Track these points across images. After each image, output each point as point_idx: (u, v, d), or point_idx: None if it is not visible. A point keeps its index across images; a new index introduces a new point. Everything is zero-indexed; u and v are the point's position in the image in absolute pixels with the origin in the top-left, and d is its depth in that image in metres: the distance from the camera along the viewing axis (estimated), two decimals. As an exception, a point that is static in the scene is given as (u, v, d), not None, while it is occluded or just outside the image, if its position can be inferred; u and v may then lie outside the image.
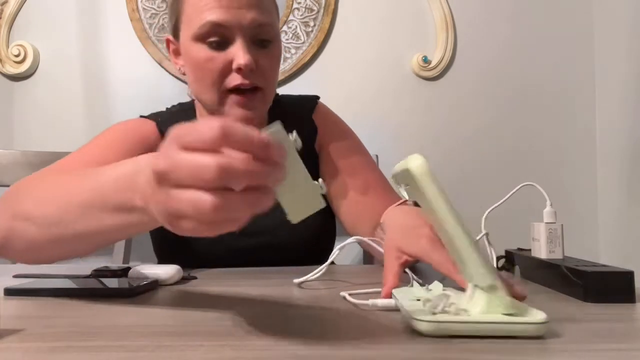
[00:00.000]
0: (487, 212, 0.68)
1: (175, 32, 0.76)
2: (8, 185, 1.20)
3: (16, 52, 1.37)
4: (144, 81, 1.43)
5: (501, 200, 0.68)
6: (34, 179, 0.59)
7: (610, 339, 0.38)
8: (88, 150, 0.75)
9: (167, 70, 1.43)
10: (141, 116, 0.86)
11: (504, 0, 1.51)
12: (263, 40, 0.72)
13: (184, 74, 0.77)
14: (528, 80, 1.50)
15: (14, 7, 1.39)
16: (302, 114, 0.87)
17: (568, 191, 1.49)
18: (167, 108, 0.91)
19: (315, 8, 1.45)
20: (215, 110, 0.74)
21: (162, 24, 1.43)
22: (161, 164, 0.32)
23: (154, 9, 1.43)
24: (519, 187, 0.68)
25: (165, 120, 0.83)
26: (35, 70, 1.41)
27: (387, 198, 0.78)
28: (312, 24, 1.45)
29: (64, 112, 1.41)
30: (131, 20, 1.42)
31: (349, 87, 1.43)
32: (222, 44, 0.70)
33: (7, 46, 1.39)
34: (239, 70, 0.69)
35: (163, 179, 0.33)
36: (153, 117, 0.85)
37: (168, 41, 0.79)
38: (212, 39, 0.69)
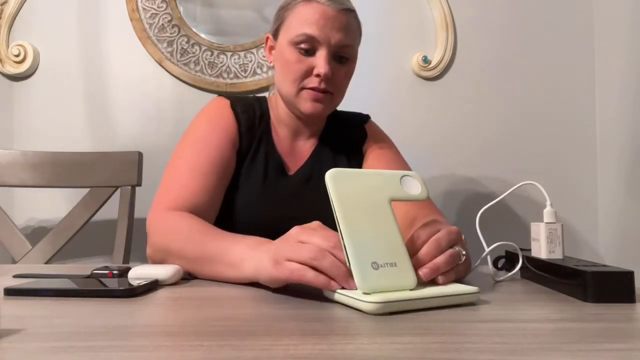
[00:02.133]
0: (481, 211, 0.68)
1: (276, 33, 0.91)
2: (8, 185, 1.20)
3: (16, 52, 1.37)
4: (144, 81, 1.43)
5: (498, 198, 0.68)
6: (178, 230, 0.74)
7: (610, 339, 0.38)
8: (192, 155, 0.86)
9: (167, 70, 1.43)
10: (219, 94, 1.01)
11: (503, 0, 1.51)
12: (342, 57, 0.88)
13: (273, 67, 0.93)
14: (528, 80, 1.50)
15: (14, 7, 1.39)
16: (355, 123, 1.03)
17: (568, 191, 1.49)
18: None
19: (315, 8, 1.45)
20: (290, 100, 0.89)
21: (162, 24, 1.43)
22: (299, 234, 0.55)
23: (154, 9, 1.43)
24: (518, 185, 0.68)
25: (238, 101, 0.95)
26: (35, 70, 1.41)
27: (422, 203, 0.86)
28: (312, 24, 1.45)
29: (64, 112, 1.41)
30: (131, 20, 1.42)
31: (348, 86, 1.43)
32: (309, 51, 0.86)
33: (7, 46, 1.39)
34: (318, 76, 0.85)
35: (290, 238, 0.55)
36: (230, 97, 0.97)
37: (267, 38, 0.94)
38: (303, 46, 0.85)
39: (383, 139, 1.03)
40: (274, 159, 0.93)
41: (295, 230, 0.55)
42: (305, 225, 0.56)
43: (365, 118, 1.05)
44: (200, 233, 0.70)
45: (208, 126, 0.90)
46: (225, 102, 0.94)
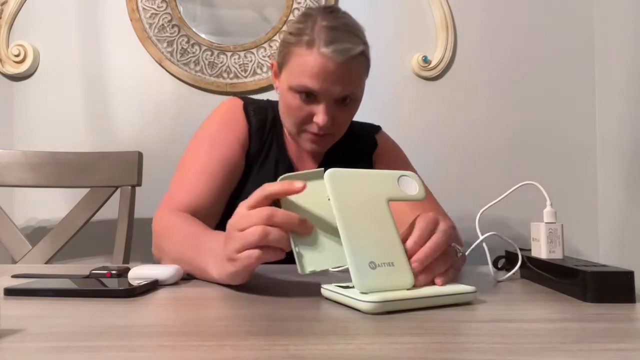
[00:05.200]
0: (482, 211, 0.68)
1: (280, 66, 0.87)
2: (8, 185, 1.20)
3: (16, 52, 1.37)
4: (144, 81, 1.43)
5: (499, 198, 0.68)
6: (171, 230, 0.74)
7: (610, 339, 0.38)
8: (201, 156, 0.87)
9: (167, 70, 1.43)
10: (235, 95, 1.00)
11: (503, 0, 1.51)
12: (346, 99, 0.84)
13: (278, 92, 0.91)
14: (528, 80, 1.50)
15: (14, 7, 1.39)
16: (366, 134, 1.02)
17: (568, 191, 1.49)
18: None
19: (315, 8, 1.45)
20: (291, 135, 0.90)
21: (162, 24, 1.43)
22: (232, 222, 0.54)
23: (154, 9, 1.43)
24: (517, 186, 0.68)
25: (251, 103, 0.95)
26: (35, 70, 1.41)
27: (425, 202, 0.87)
28: (312, 24, 1.45)
29: (64, 112, 1.41)
30: (131, 20, 1.42)
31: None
32: (311, 97, 0.83)
33: (7, 46, 1.39)
34: (318, 124, 0.83)
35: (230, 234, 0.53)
36: (244, 98, 0.97)
37: (273, 65, 0.91)
38: (304, 94, 0.82)
39: (393, 149, 1.02)
40: (285, 166, 0.93)
41: (231, 221, 0.53)
42: (237, 212, 0.54)
43: (377, 129, 1.04)
44: (185, 235, 0.70)
45: (219, 127, 0.90)
46: (239, 103, 0.94)
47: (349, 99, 0.85)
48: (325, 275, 0.67)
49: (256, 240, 0.49)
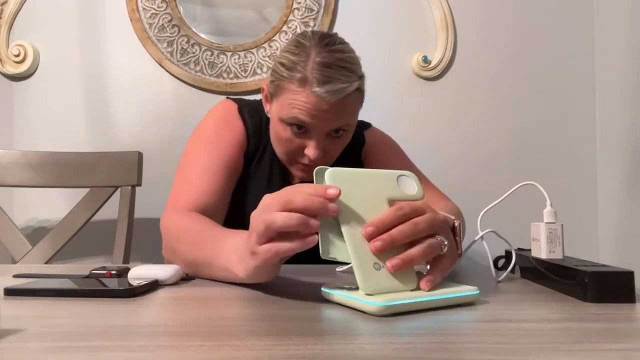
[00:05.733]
0: (483, 212, 0.68)
1: (272, 95, 0.85)
2: (8, 185, 1.20)
3: (16, 52, 1.37)
4: (144, 81, 1.43)
5: (500, 199, 0.68)
6: (181, 231, 0.73)
7: (610, 339, 0.38)
8: (202, 156, 0.86)
9: (167, 71, 1.43)
10: (227, 97, 0.99)
11: (504, 0, 1.51)
12: (338, 131, 0.83)
13: (269, 116, 0.89)
14: (528, 80, 1.50)
15: (14, 7, 1.39)
16: (356, 132, 0.95)
17: (568, 191, 1.49)
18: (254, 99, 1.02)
19: (315, 8, 1.45)
20: (282, 161, 0.90)
21: (162, 24, 1.43)
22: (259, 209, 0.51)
23: (154, 9, 1.43)
24: (518, 186, 0.68)
25: (245, 105, 0.95)
26: (35, 70, 1.41)
27: (439, 200, 0.90)
28: (312, 24, 1.45)
29: (64, 112, 1.41)
30: (131, 20, 1.42)
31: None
32: (302, 129, 0.82)
33: (7, 46, 1.39)
34: (309, 157, 0.83)
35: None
36: (237, 101, 0.97)
37: (264, 88, 0.89)
38: (295, 126, 0.81)
39: (382, 143, 1.02)
40: (279, 166, 0.93)
41: (254, 212, 0.51)
42: (260, 202, 0.51)
43: (366, 126, 1.04)
44: (198, 235, 0.69)
45: (215, 128, 0.90)
46: (233, 106, 0.94)
47: (342, 130, 0.83)
48: (326, 276, 0.67)
49: (277, 226, 0.47)
